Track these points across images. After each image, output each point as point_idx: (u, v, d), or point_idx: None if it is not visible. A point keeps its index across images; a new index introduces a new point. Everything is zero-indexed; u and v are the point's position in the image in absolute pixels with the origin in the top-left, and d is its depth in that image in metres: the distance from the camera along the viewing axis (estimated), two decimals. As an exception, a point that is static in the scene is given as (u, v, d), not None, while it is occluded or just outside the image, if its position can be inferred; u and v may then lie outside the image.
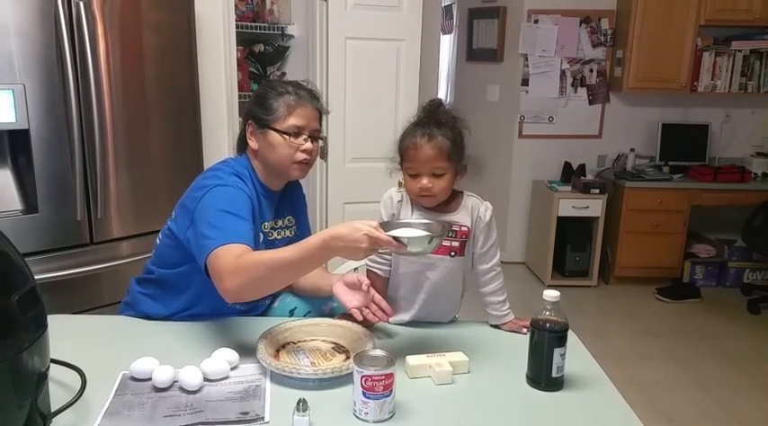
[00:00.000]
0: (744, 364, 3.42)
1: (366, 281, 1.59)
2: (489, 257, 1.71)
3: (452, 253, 1.68)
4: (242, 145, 1.74)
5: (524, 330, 1.65)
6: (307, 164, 1.66)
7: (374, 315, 1.56)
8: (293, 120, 1.62)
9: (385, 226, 1.39)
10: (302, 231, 1.84)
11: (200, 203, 1.53)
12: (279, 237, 1.74)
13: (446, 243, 1.66)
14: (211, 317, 1.68)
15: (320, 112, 1.70)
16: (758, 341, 3.74)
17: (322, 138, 1.71)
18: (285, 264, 1.37)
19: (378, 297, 1.58)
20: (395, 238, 1.33)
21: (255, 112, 1.66)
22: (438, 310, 1.74)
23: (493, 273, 1.72)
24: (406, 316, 1.72)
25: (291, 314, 1.79)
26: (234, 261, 1.38)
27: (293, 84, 1.68)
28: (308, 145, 1.64)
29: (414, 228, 1.45)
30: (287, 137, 1.61)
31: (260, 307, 1.80)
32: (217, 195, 1.53)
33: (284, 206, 1.78)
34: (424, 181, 1.60)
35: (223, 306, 1.67)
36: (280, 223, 1.76)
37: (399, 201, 1.70)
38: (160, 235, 1.73)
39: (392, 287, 1.75)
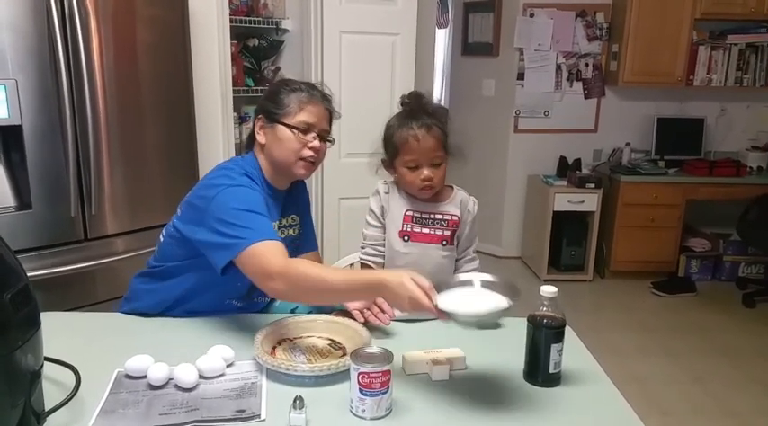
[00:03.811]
0: (739, 358, 3.43)
1: None
2: (468, 242, 1.80)
3: (444, 242, 1.74)
4: (250, 141, 1.73)
5: None
6: (313, 163, 1.66)
7: (375, 316, 1.56)
8: (303, 117, 1.62)
9: (442, 284, 1.30)
10: (306, 229, 1.85)
11: (213, 202, 1.50)
12: (282, 236, 1.72)
13: (438, 232, 1.72)
14: (208, 314, 1.67)
15: (331, 114, 1.70)
16: (753, 334, 3.75)
17: (330, 141, 1.70)
18: (330, 289, 1.38)
19: (380, 299, 1.57)
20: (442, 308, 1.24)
21: (267, 106, 1.66)
22: None
23: (468, 257, 1.81)
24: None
25: (293, 312, 1.79)
26: (284, 262, 1.39)
27: (307, 83, 1.70)
28: (316, 143, 1.64)
29: (475, 287, 1.33)
30: (296, 132, 1.61)
31: (259, 305, 1.79)
32: (233, 194, 1.51)
33: (289, 205, 1.78)
34: (426, 171, 1.65)
35: (221, 303, 1.67)
36: (284, 222, 1.76)
37: (386, 193, 1.77)
38: (164, 231, 1.71)
39: None
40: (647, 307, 4.18)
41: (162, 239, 1.71)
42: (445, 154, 1.67)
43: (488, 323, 1.28)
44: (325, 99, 1.69)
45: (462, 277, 1.38)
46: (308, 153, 1.63)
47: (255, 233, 1.44)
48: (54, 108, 2.16)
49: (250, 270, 1.43)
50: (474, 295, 1.31)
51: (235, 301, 1.70)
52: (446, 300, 1.25)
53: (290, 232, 1.78)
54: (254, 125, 1.70)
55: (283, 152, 1.62)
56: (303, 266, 1.42)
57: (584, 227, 4.55)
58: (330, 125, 1.71)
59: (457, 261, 1.81)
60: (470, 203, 1.78)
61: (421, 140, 1.62)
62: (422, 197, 1.71)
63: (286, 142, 1.62)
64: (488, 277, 1.34)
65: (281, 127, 1.62)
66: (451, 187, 1.79)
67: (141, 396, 1.28)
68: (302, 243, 1.85)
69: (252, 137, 1.72)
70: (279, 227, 1.72)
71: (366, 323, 1.56)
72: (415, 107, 1.69)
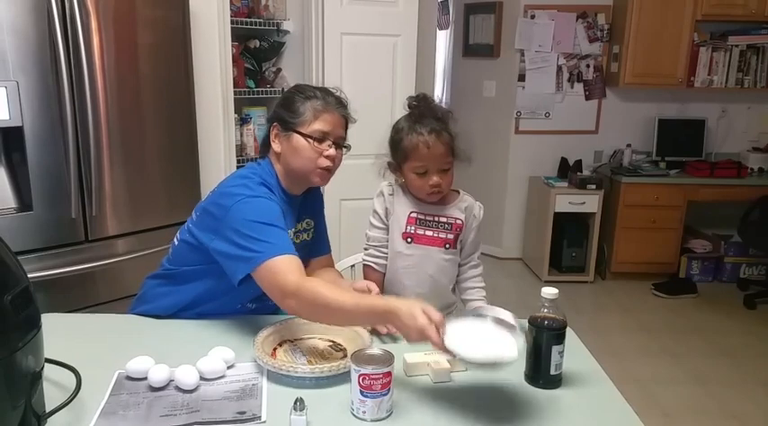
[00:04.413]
0: (740, 359, 3.43)
1: (375, 290, 1.59)
2: (472, 248, 1.80)
3: (447, 245, 1.73)
4: (264, 148, 1.72)
5: None
6: (329, 171, 1.65)
7: (384, 325, 1.55)
8: (319, 125, 1.60)
9: (456, 314, 1.31)
10: (319, 233, 1.85)
11: (230, 212, 1.49)
12: (297, 241, 1.71)
13: (442, 235, 1.71)
14: (222, 316, 1.66)
15: (346, 120, 1.68)
16: (754, 336, 3.75)
17: (347, 147, 1.69)
18: (340, 311, 1.37)
19: None
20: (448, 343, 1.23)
21: (281, 115, 1.64)
22: (434, 304, 1.75)
23: (473, 263, 1.80)
24: None
25: None
26: (298, 280, 1.39)
27: (322, 89, 1.67)
28: (332, 151, 1.62)
29: (486, 322, 1.32)
30: (311, 141, 1.60)
31: (272, 306, 1.79)
32: (251, 206, 1.50)
33: (304, 209, 1.77)
34: (435, 178, 1.64)
35: (236, 306, 1.67)
36: (299, 227, 1.75)
37: (391, 195, 1.76)
38: (178, 235, 1.70)
39: (393, 282, 1.75)
40: (648, 309, 4.17)
41: (176, 242, 1.70)
42: (453, 159, 1.65)
43: (492, 367, 1.28)
44: (341, 105, 1.66)
45: (477, 309, 1.36)
46: (324, 162, 1.61)
47: (272, 247, 1.43)
48: (55, 109, 2.16)
49: (266, 285, 1.44)
50: (484, 335, 1.29)
51: (249, 304, 1.70)
52: (453, 338, 1.24)
53: (305, 236, 1.78)
54: (268, 132, 1.68)
55: (300, 161, 1.61)
56: (316, 286, 1.40)
57: (585, 229, 4.55)
58: (346, 131, 1.68)
59: (460, 266, 1.80)
60: (476, 208, 1.77)
61: (431, 147, 1.61)
62: (431, 200, 1.70)
63: (302, 151, 1.60)
64: (504, 315, 1.31)
65: (296, 136, 1.60)
66: (458, 191, 1.78)
67: (142, 398, 1.28)
68: (316, 246, 1.84)
69: (266, 144, 1.70)
70: (294, 233, 1.71)
71: (374, 331, 1.55)
72: (424, 109, 1.67)
